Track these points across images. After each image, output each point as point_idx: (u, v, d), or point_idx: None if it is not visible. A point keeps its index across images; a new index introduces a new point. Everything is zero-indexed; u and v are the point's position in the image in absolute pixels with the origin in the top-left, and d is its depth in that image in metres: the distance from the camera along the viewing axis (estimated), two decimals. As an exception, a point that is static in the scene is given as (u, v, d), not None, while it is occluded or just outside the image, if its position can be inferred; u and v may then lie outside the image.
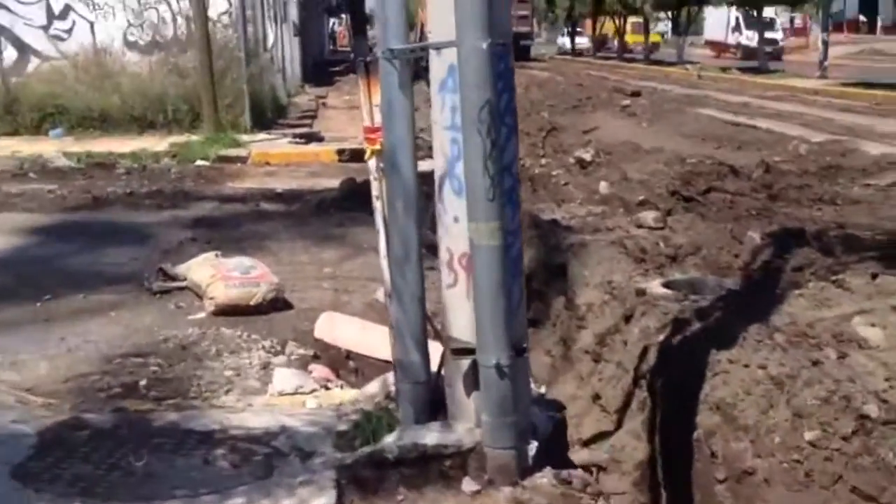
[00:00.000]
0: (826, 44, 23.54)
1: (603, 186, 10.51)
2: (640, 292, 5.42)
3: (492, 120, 2.81)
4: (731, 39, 42.30)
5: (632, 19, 45.83)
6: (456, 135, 3.00)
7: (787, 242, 7.05)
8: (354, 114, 18.13)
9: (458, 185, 3.04)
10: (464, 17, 2.74)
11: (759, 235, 7.13)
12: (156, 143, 11.88)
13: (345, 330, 4.87)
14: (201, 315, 5.16)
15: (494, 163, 2.84)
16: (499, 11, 2.86)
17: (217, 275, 5.27)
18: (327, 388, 4.20)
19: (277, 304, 5.29)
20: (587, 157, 11.92)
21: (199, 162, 10.98)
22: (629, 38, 46.40)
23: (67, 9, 21.09)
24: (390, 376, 3.60)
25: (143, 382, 4.10)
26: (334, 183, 9.68)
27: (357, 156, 11.64)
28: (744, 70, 27.71)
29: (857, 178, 10.27)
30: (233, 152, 11.31)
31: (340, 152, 11.51)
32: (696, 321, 5.01)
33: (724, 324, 4.81)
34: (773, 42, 36.11)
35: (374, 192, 3.44)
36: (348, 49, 58.97)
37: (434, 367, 3.27)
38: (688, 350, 4.62)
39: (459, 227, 3.03)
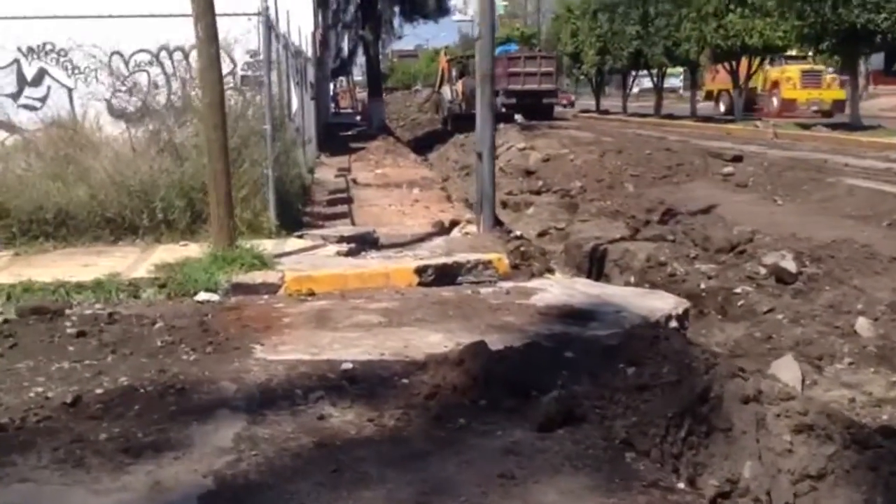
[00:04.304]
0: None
1: (863, 325, 6.44)
2: None
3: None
4: None
5: (789, 68, 32.33)
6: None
7: None
8: (398, 195, 14.14)
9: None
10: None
11: None
12: (135, 263, 7.83)
13: None
14: None
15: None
16: None
17: None
18: None
19: None
20: (789, 266, 7.86)
21: (202, 296, 6.92)
22: (791, 93, 32.62)
23: (42, 73, 17.73)
24: None
25: None
26: (434, 339, 5.67)
27: (445, 275, 7.62)
28: (832, 126, 23.94)
29: None
30: (256, 276, 7.23)
31: (421, 271, 7.46)
32: None
33: None
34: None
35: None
36: (350, 111, 56.13)
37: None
38: None
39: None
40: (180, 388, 4.62)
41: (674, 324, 6.42)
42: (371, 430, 4.25)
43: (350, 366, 5.16)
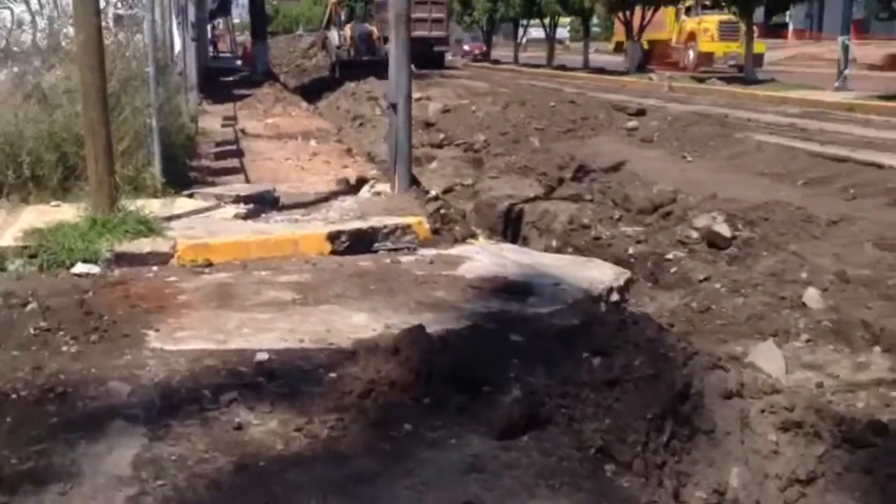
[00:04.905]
0: (847, 49, 19.92)
1: (812, 297, 6.06)
2: None
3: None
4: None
5: (707, 19, 29.38)
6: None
7: None
8: (293, 147, 13.16)
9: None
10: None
11: None
12: (0, 227, 6.77)
13: None
14: None
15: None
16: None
17: None
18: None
19: None
20: (722, 230, 7.46)
21: (79, 268, 5.96)
22: (709, 46, 30.04)
23: None
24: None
25: None
26: (358, 320, 4.96)
27: (360, 241, 6.88)
28: (727, 80, 24.03)
29: None
30: (143, 244, 6.31)
31: (334, 238, 6.69)
32: None
33: None
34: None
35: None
36: (230, 55, 53.82)
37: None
38: None
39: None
40: (61, 392, 3.76)
41: (615, 297, 5.90)
42: (301, 444, 3.53)
43: (265, 357, 4.39)
